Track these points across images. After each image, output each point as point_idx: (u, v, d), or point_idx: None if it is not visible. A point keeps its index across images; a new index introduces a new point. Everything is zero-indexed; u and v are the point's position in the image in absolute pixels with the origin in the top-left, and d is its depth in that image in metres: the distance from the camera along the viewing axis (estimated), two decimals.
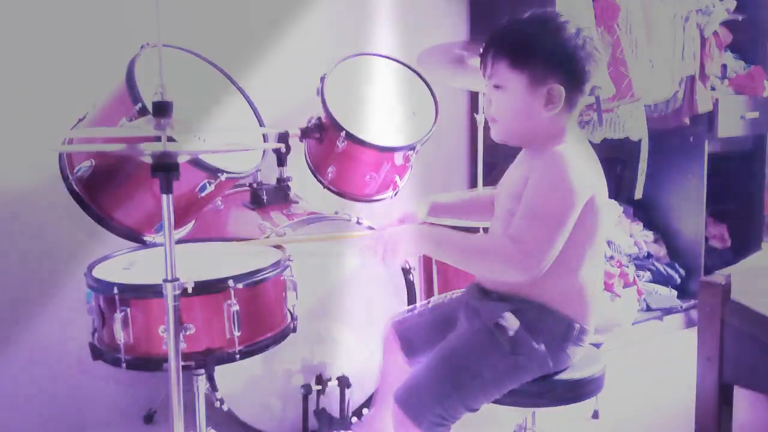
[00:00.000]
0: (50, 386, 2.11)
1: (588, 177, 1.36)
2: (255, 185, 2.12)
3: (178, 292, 1.30)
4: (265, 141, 1.91)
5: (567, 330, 1.40)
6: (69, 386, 2.12)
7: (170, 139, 1.30)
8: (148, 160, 1.25)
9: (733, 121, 3.09)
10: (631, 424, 2.23)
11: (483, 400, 1.39)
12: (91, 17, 2.11)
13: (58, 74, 2.06)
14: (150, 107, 1.32)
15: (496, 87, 1.41)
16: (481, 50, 1.42)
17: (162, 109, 1.27)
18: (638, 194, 2.96)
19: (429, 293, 2.10)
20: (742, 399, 2.15)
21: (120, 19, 2.10)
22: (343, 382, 1.98)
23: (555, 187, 1.33)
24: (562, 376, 1.43)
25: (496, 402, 1.43)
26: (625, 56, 2.67)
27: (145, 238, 1.77)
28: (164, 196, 1.26)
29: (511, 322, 1.38)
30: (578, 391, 1.44)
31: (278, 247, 1.70)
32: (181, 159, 1.28)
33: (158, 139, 1.25)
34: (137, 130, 1.38)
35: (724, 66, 3.22)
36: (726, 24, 3.12)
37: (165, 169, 1.24)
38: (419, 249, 1.44)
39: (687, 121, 2.99)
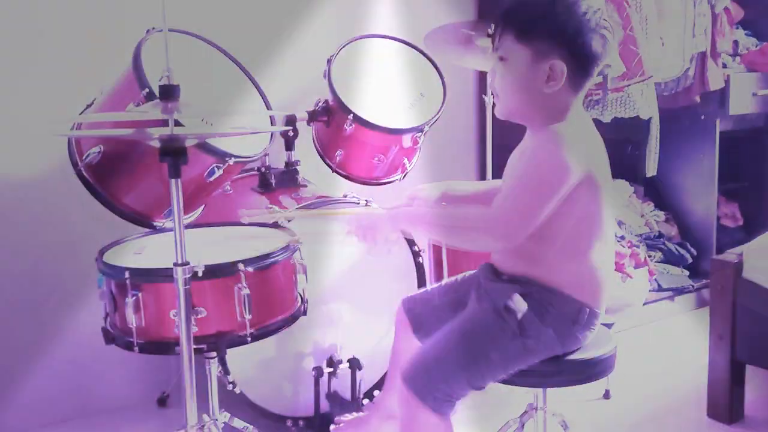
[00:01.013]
0: (63, 371, 2.13)
1: (584, 154, 1.35)
2: (263, 169, 2.12)
3: (188, 275, 1.30)
4: (272, 124, 1.91)
5: (577, 314, 1.40)
6: (82, 371, 2.14)
7: (177, 124, 1.30)
8: (156, 144, 1.25)
9: (745, 99, 3.05)
10: (642, 404, 2.23)
11: (489, 380, 1.40)
12: (98, 2, 2.10)
13: (66, 60, 2.06)
14: (157, 92, 1.32)
15: (501, 59, 1.41)
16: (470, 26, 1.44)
17: (169, 93, 1.27)
18: (650, 172, 2.94)
19: (438, 276, 2.10)
20: (755, 377, 2.15)
21: (126, 3, 2.10)
22: (354, 365, 1.99)
23: (545, 160, 1.33)
24: (574, 356, 1.43)
25: (506, 382, 1.43)
26: (635, 34, 2.64)
27: (155, 224, 1.78)
28: (173, 181, 1.26)
29: (519, 304, 1.39)
30: (589, 371, 1.44)
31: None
32: (189, 143, 1.28)
33: (165, 123, 1.25)
34: (144, 114, 1.38)
35: (736, 42, 3.18)
36: (737, 0, 3.07)
37: (173, 153, 1.24)
38: (397, 229, 1.45)
39: (698, 98, 2.96)
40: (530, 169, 1.34)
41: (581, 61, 1.36)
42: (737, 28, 3.20)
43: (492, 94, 1.47)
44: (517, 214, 1.30)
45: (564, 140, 1.33)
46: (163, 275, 1.38)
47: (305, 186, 2.16)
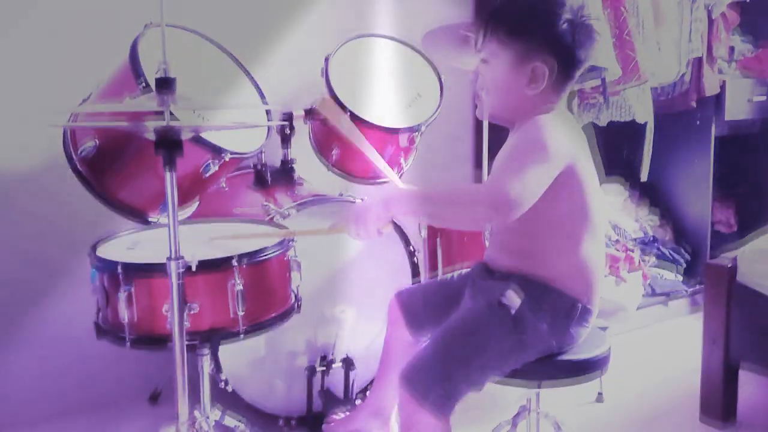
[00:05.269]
0: (55, 366, 2.12)
1: (566, 145, 1.36)
2: (259, 166, 2.11)
3: (182, 270, 1.30)
4: (269, 120, 1.90)
5: (570, 309, 1.41)
6: (73, 366, 2.12)
7: (173, 117, 1.29)
8: (151, 136, 1.24)
9: (740, 104, 3.06)
10: (635, 407, 2.23)
11: (487, 377, 1.39)
12: None
13: (62, 54, 2.05)
14: (153, 85, 1.31)
15: (484, 61, 1.43)
16: (466, 27, 1.45)
17: (165, 85, 1.26)
18: (643, 176, 2.95)
19: (433, 275, 2.10)
20: (747, 381, 2.15)
21: None
22: (348, 364, 1.98)
23: (530, 140, 1.34)
24: (567, 356, 1.43)
25: (500, 382, 1.43)
26: (632, 38, 2.64)
27: (149, 219, 1.77)
28: (167, 173, 1.25)
29: (513, 299, 1.39)
30: (582, 371, 1.44)
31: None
32: (185, 135, 1.27)
33: (161, 115, 1.24)
34: (140, 106, 1.38)
35: (732, 48, 3.19)
36: (734, 6, 3.08)
37: (168, 145, 1.23)
38: (389, 214, 1.36)
39: (694, 103, 2.96)
40: (515, 148, 1.36)
41: (564, 63, 1.38)
42: (734, 34, 3.21)
43: (477, 96, 1.48)
44: (509, 185, 1.26)
45: (546, 126, 1.35)
46: (157, 270, 1.37)
47: (301, 184, 2.15)
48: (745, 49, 3.26)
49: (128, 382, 2.18)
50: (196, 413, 1.59)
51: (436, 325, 1.45)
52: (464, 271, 1.62)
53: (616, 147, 3.11)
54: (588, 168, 1.41)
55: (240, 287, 1.44)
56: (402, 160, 2.16)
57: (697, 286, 3.04)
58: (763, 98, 3.12)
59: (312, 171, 2.22)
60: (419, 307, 1.59)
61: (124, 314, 1.42)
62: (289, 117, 2.08)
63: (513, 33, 1.37)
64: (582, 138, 1.44)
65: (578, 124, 1.49)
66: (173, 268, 1.29)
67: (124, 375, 2.17)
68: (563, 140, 1.35)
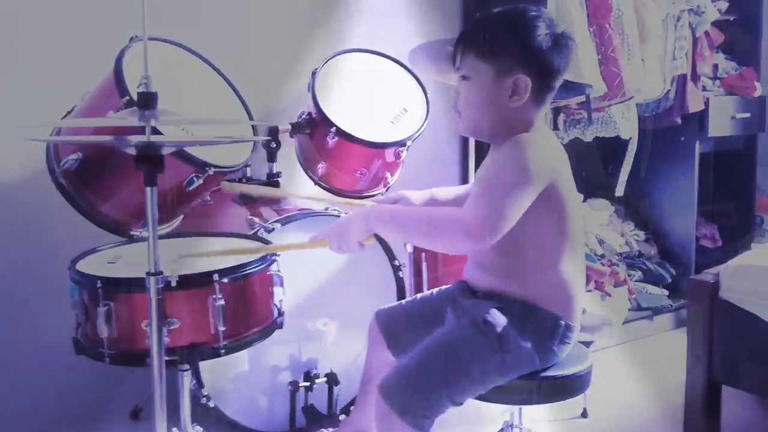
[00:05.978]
0: (34, 382, 2.09)
1: (549, 162, 1.37)
2: (244, 180, 2.10)
3: (161, 285, 1.29)
4: (254, 135, 1.90)
5: (553, 327, 1.41)
6: (53, 382, 2.10)
7: (156, 131, 1.28)
8: (132, 151, 1.23)
9: (724, 121, 3.09)
10: (620, 423, 2.23)
11: (469, 395, 1.39)
12: (81, 9, 2.09)
13: (47, 67, 2.04)
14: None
15: (464, 78, 1.42)
16: (453, 44, 1.45)
17: (147, 100, 1.25)
18: (619, 191, 2.97)
19: (418, 290, 2.09)
20: (731, 398, 2.15)
21: (109, 11, 2.09)
22: (332, 379, 1.97)
23: (511, 162, 1.34)
24: (549, 372, 1.43)
25: (483, 399, 1.42)
26: (617, 55, 2.67)
27: (131, 233, 1.76)
28: (148, 189, 1.25)
29: (498, 318, 1.38)
30: (565, 388, 1.44)
31: (265, 242, 1.68)
32: (166, 151, 1.26)
33: (142, 130, 1.24)
34: (121, 121, 1.37)
35: (716, 66, 3.22)
36: (717, 24, 3.12)
37: (149, 160, 1.22)
38: (370, 228, 1.39)
39: (678, 120, 2.99)
40: (496, 171, 1.36)
41: (543, 74, 1.38)
42: (717, 52, 3.25)
43: (457, 113, 1.47)
44: (487, 212, 1.28)
45: (527, 146, 1.35)
46: (136, 285, 1.36)
47: (286, 198, 2.15)
48: (730, 66, 3.30)
49: (109, 398, 2.15)
50: (175, 430, 1.57)
51: (417, 343, 1.44)
52: (444, 287, 1.61)
53: (601, 162, 3.14)
54: (568, 184, 1.42)
55: (221, 303, 1.43)
56: (388, 175, 2.17)
57: (682, 302, 3.05)
58: (747, 115, 3.15)
59: (298, 185, 2.22)
60: (400, 326, 1.59)
61: (104, 330, 1.41)
62: (274, 131, 2.07)
63: (492, 48, 1.38)
64: (563, 154, 1.44)
65: (558, 140, 1.49)
66: (152, 284, 1.28)
67: (104, 391, 2.14)
68: (545, 159, 1.36)
